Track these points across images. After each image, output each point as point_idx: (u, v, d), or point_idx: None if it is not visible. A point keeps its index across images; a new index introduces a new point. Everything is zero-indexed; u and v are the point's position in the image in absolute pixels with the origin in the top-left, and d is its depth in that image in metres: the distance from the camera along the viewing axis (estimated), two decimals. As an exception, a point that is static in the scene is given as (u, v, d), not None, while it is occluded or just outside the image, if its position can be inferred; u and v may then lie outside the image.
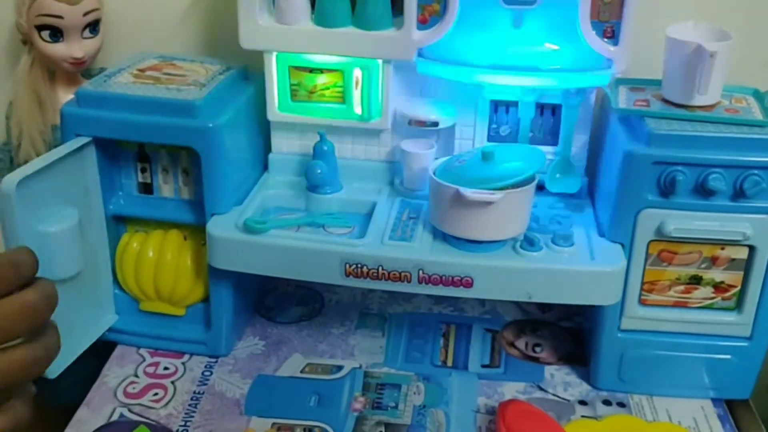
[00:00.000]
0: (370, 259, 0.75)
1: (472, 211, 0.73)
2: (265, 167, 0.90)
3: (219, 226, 0.79)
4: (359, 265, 0.75)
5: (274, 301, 0.99)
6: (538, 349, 0.90)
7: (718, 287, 0.77)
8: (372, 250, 0.75)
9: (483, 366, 0.88)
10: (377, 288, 0.76)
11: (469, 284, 0.74)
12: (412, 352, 0.90)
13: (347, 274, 0.76)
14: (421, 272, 0.74)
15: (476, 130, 0.84)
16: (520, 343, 0.91)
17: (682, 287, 0.78)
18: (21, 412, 0.47)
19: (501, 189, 0.72)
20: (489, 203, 0.72)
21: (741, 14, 0.86)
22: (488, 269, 0.74)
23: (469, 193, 0.72)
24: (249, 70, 0.89)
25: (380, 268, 0.75)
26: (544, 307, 0.97)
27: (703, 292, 0.77)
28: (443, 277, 0.74)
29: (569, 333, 0.93)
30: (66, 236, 0.76)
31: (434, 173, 0.76)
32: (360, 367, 0.87)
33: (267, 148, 0.90)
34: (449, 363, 0.88)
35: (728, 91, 0.79)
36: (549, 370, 0.87)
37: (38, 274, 0.46)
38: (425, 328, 0.94)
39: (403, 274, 0.75)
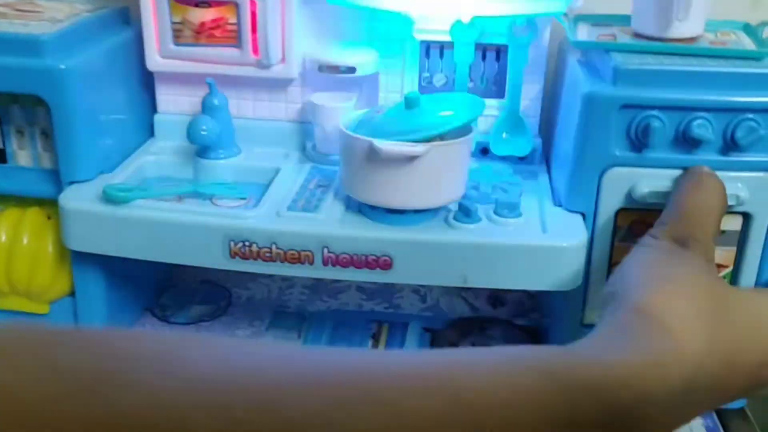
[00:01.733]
0: (261, 235, 0.58)
1: (390, 172, 0.57)
2: (153, 133, 0.74)
3: (74, 197, 0.63)
4: (247, 243, 0.59)
5: (173, 298, 0.82)
6: (486, 351, 0.74)
7: (705, 268, 0.61)
8: (263, 223, 0.59)
9: (418, 373, 0.71)
10: (270, 272, 0.59)
11: (387, 265, 0.58)
12: (332, 356, 0.73)
13: (233, 255, 0.59)
14: (326, 251, 0.58)
15: (404, 78, 0.68)
16: (465, 345, 0.75)
17: (659, 269, 0.62)
18: None
19: (427, 141, 0.56)
20: (411, 159, 0.56)
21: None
22: (411, 245, 0.58)
23: (385, 145, 0.56)
24: (132, 13, 0.72)
25: (274, 247, 0.58)
26: (496, 301, 0.81)
27: (686, 274, 0.61)
28: (354, 257, 0.58)
29: (525, 333, 0.77)
30: None
31: (345, 126, 0.60)
32: (265, 376, 0.70)
33: (154, 108, 0.73)
34: (376, 370, 0.71)
35: (713, 25, 0.64)
36: (499, 377, 0.71)
37: None
38: (351, 329, 0.77)
39: (303, 253, 0.58)
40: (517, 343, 0.75)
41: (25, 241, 0.69)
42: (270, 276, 0.82)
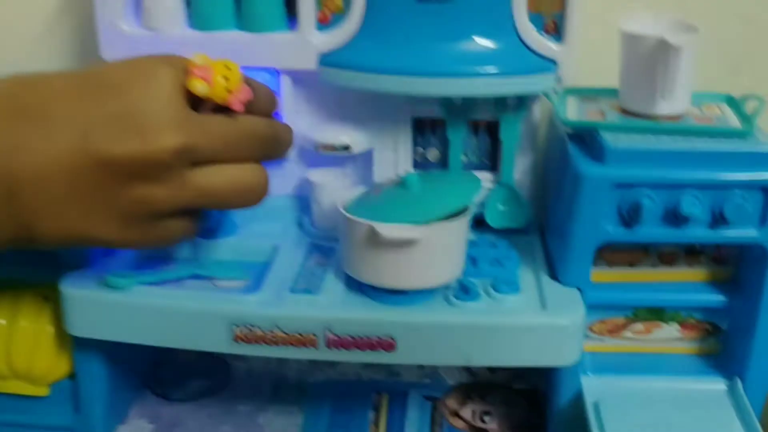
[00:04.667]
0: (264, 320, 0.59)
1: (390, 253, 0.58)
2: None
3: (76, 283, 0.63)
4: (250, 328, 0.59)
5: (170, 373, 0.82)
6: (487, 418, 0.74)
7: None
8: (266, 307, 0.59)
9: (420, 443, 0.71)
10: (274, 356, 0.60)
11: (390, 346, 0.58)
12: (335, 429, 0.73)
13: (236, 339, 0.60)
14: (329, 333, 0.59)
15: (398, 154, 0.69)
16: (466, 412, 0.75)
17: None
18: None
19: (426, 223, 0.57)
20: (411, 242, 0.57)
21: (707, 10, 0.73)
22: (413, 326, 0.58)
23: (387, 229, 0.57)
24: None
25: (277, 331, 0.59)
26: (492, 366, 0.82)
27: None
28: (358, 339, 0.59)
29: (523, 396, 0.77)
30: None
31: (344, 208, 0.61)
32: (268, 452, 0.70)
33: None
34: (379, 441, 0.72)
35: (697, 98, 0.66)
36: (501, 444, 0.71)
37: None
38: (352, 399, 0.77)
39: (306, 336, 0.59)
40: (517, 409, 0.76)
41: (22, 324, 0.69)
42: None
